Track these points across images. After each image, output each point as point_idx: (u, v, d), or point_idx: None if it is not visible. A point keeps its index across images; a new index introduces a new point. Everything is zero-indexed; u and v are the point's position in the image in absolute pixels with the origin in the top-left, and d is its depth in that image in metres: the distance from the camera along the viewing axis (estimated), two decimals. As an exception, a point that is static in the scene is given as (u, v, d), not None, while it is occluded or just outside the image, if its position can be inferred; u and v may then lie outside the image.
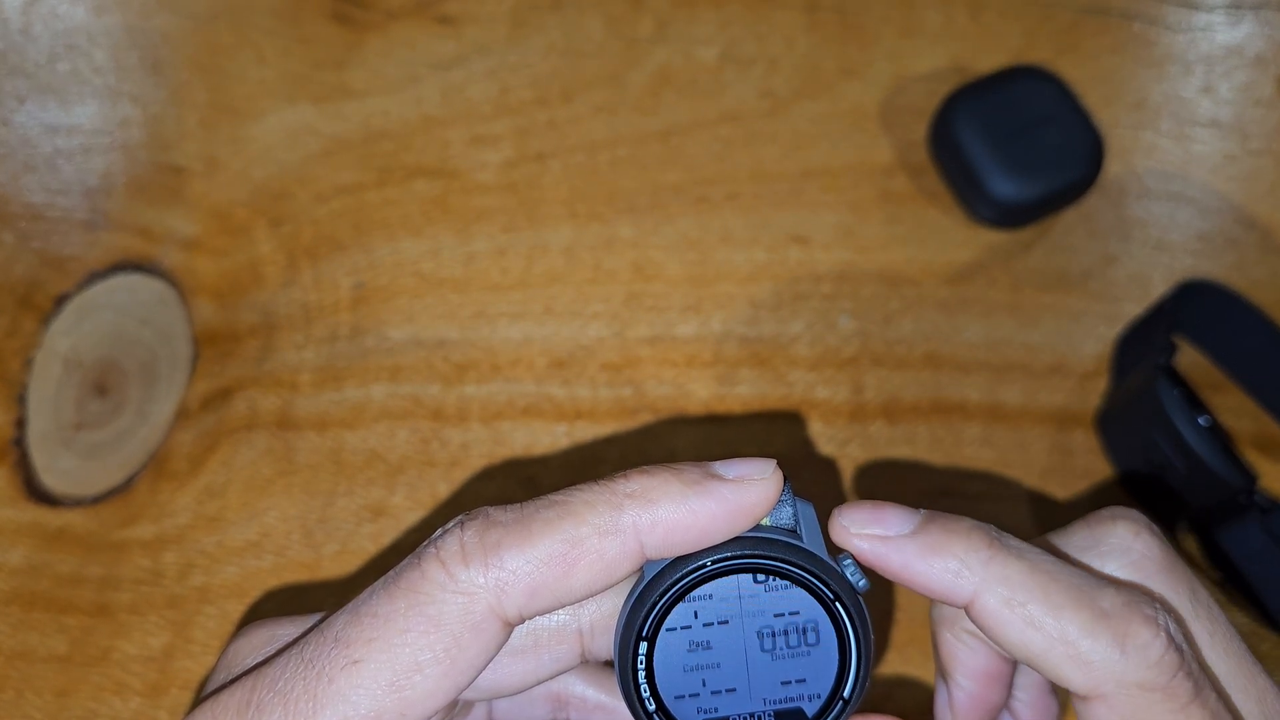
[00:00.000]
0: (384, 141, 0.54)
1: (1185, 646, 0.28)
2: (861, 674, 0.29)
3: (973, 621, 0.29)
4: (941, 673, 0.34)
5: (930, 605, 0.34)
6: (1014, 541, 0.29)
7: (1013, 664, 0.33)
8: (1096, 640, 0.27)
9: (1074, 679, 0.28)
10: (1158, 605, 0.28)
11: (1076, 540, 0.32)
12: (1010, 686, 0.34)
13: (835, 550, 0.29)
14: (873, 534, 0.29)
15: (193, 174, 0.53)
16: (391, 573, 0.28)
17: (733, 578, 0.28)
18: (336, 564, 0.45)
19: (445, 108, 0.54)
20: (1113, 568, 0.31)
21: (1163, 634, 0.28)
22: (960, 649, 0.33)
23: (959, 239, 0.52)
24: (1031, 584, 0.28)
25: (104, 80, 0.54)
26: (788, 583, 0.29)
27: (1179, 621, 0.30)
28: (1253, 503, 0.43)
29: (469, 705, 0.32)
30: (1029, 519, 0.47)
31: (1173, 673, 0.27)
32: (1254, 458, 0.48)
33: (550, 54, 0.56)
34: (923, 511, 0.30)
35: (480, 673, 0.27)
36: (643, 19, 0.56)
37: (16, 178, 0.52)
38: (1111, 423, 0.47)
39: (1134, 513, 0.32)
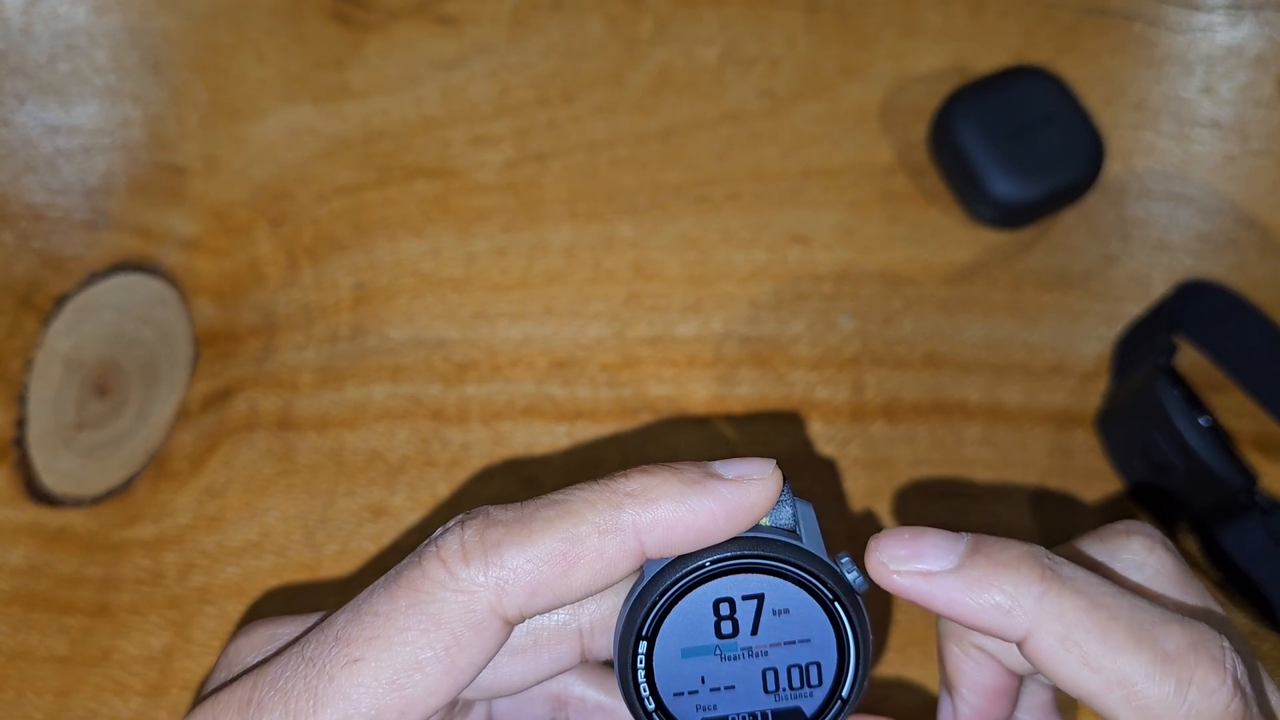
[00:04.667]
0: (384, 141, 0.54)
1: (1249, 689, 0.27)
2: (860, 674, 0.29)
3: (1025, 657, 0.27)
4: (946, 686, 0.33)
5: (937, 617, 0.33)
6: (1068, 570, 0.27)
7: (1019, 679, 0.33)
8: (1158, 685, 0.26)
9: None
10: (1226, 645, 0.27)
11: (1089, 553, 0.31)
12: (1016, 701, 0.33)
13: (834, 550, 0.29)
14: (914, 571, 0.28)
15: (193, 174, 0.53)
16: (392, 571, 0.28)
17: (732, 577, 0.28)
18: (337, 564, 0.45)
19: (445, 108, 0.54)
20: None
21: (1229, 680, 0.26)
22: (967, 664, 0.32)
23: (959, 239, 0.52)
24: (1089, 621, 0.26)
25: (104, 80, 0.54)
26: (787, 582, 0.29)
27: (1247, 658, 0.28)
28: (1253, 503, 0.43)
29: (469, 705, 0.32)
30: (1029, 519, 0.47)
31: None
32: (1254, 458, 0.48)
33: (551, 54, 0.56)
34: (966, 538, 0.28)
35: (480, 671, 0.27)
36: (643, 19, 0.56)
37: (17, 178, 0.52)
38: (1111, 423, 0.47)
39: (1148, 527, 0.31)
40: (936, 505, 0.47)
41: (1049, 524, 0.46)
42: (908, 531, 0.28)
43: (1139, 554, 0.31)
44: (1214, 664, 0.26)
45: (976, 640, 0.31)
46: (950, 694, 0.33)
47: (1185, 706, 0.26)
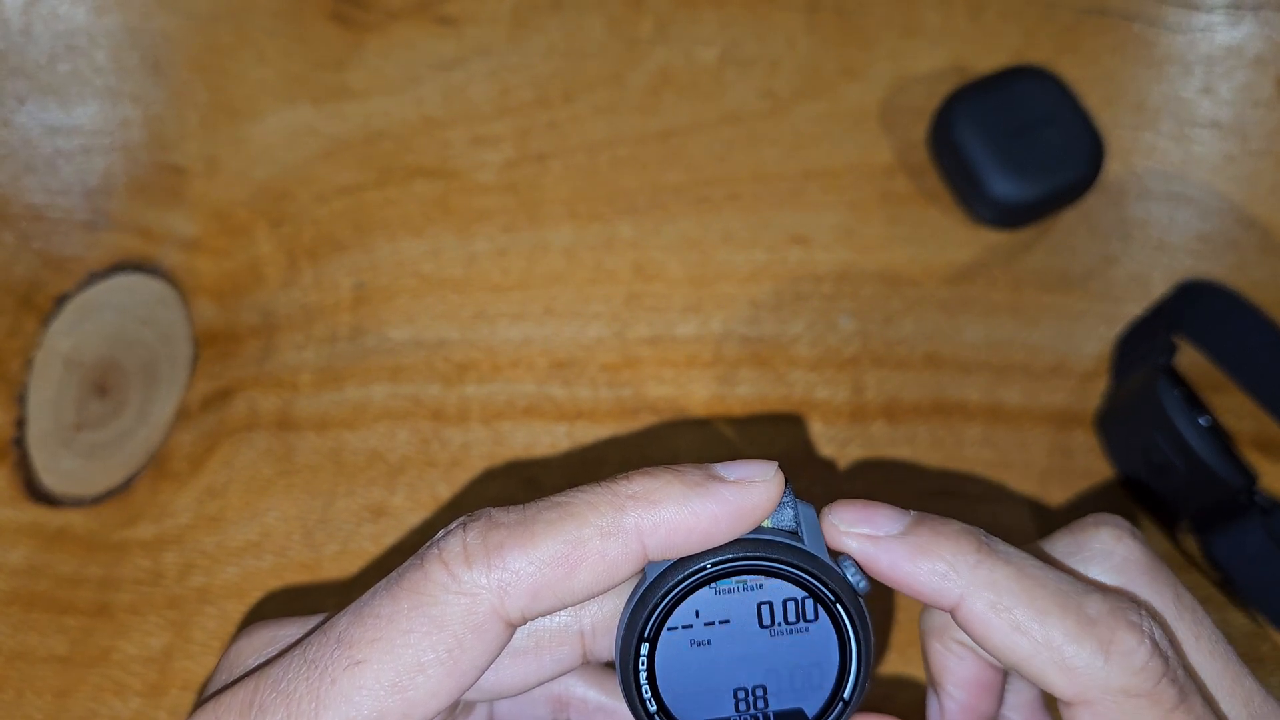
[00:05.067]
0: (384, 142, 0.54)
1: (1170, 652, 0.28)
2: (862, 675, 0.29)
3: (959, 625, 0.29)
4: (932, 683, 0.34)
5: (920, 615, 0.34)
6: (1002, 546, 0.29)
7: (1003, 674, 0.33)
8: (1081, 646, 0.27)
9: (1059, 685, 0.28)
10: (1143, 611, 0.28)
11: (1060, 546, 0.32)
12: (1001, 697, 0.34)
13: (836, 553, 0.30)
14: (862, 533, 0.29)
15: (193, 174, 0.53)
16: (394, 573, 0.28)
17: (734, 579, 0.28)
18: (337, 564, 0.45)
19: (446, 108, 0.54)
20: (1096, 572, 0.31)
21: (1147, 640, 0.28)
22: (950, 659, 0.33)
23: (959, 239, 0.52)
24: (1018, 589, 0.28)
25: (104, 81, 0.54)
26: (789, 583, 0.29)
27: (1164, 627, 0.30)
28: (1253, 503, 0.43)
29: (470, 706, 0.32)
30: (1029, 519, 0.47)
31: (1157, 679, 0.27)
32: (1254, 458, 0.48)
33: (551, 54, 0.56)
34: (912, 513, 0.30)
35: (483, 673, 0.28)
36: (643, 19, 0.56)
37: (17, 178, 0.52)
38: (1112, 423, 0.47)
39: (1116, 518, 0.32)
40: (936, 505, 0.46)
41: (1049, 524, 0.46)
42: (861, 501, 0.30)
43: (1107, 543, 0.32)
44: (1131, 626, 0.28)
45: (957, 635, 0.32)
46: (936, 691, 0.34)
47: (1106, 665, 0.27)
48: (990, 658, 0.32)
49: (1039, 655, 0.28)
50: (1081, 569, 0.31)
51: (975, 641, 0.29)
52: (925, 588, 0.29)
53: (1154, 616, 0.29)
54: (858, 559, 0.29)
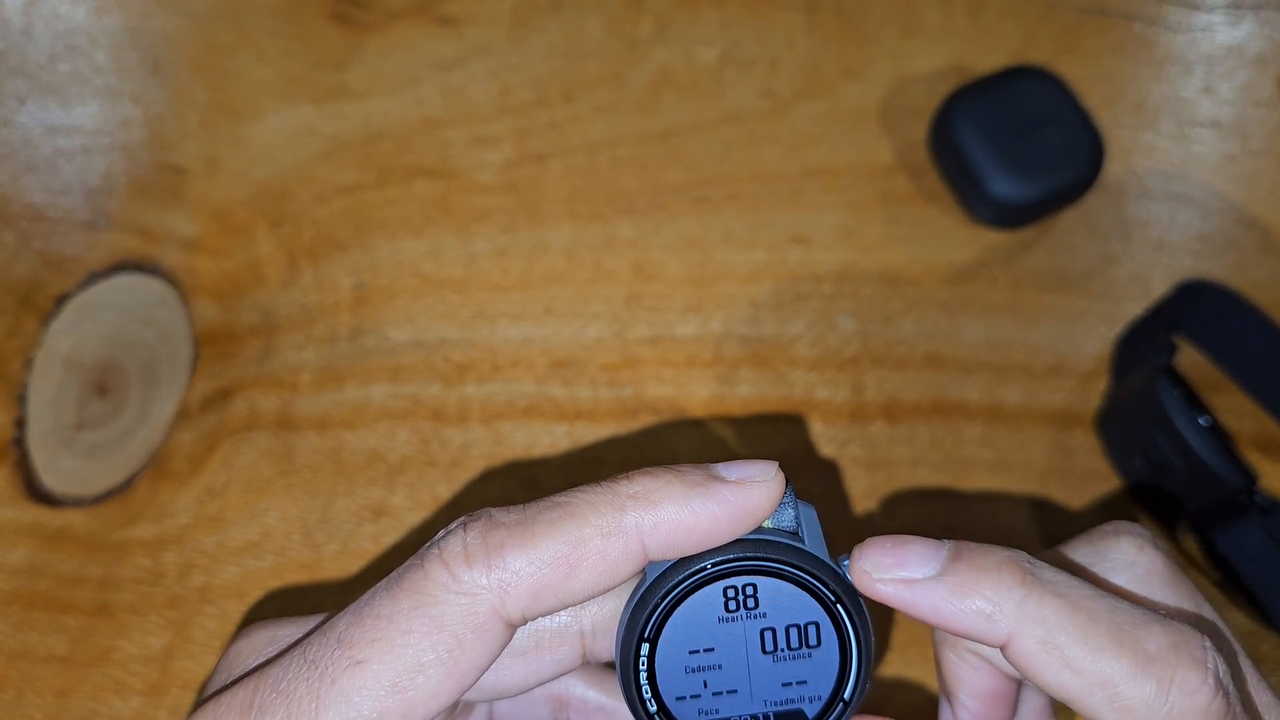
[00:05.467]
0: (384, 141, 0.54)
1: (1232, 689, 0.27)
2: (862, 676, 0.29)
3: (1008, 661, 0.28)
4: (944, 692, 0.33)
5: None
6: (1049, 573, 0.28)
7: (1018, 684, 0.33)
8: (1139, 686, 0.26)
9: None
10: (1208, 645, 0.27)
11: (1079, 555, 0.31)
12: (1016, 706, 0.33)
13: (836, 552, 0.29)
14: (897, 579, 0.28)
15: (193, 174, 0.53)
16: (394, 573, 0.28)
17: (735, 579, 0.28)
18: (337, 564, 0.45)
19: (445, 108, 0.54)
20: (1118, 583, 0.30)
21: (1211, 679, 0.26)
22: (964, 669, 0.32)
23: (959, 239, 0.52)
24: (1070, 625, 0.27)
25: (104, 80, 0.54)
26: (789, 584, 0.29)
27: (1230, 658, 0.28)
28: (1253, 503, 0.43)
29: (470, 706, 0.32)
30: (1029, 519, 0.47)
31: (1220, 719, 0.26)
32: (1254, 458, 0.48)
33: (551, 54, 0.56)
34: (948, 544, 0.28)
35: (483, 673, 0.27)
36: (643, 19, 0.56)
37: (17, 178, 0.52)
38: (1111, 423, 0.47)
39: (1137, 527, 0.31)
40: (936, 506, 0.47)
41: (1049, 524, 0.47)
42: (890, 540, 0.28)
43: (1128, 553, 0.31)
44: (1195, 664, 0.26)
45: (972, 646, 0.31)
46: (949, 700, 0.33)
47: (1167, 707, 0.26)
48: (1007, 668, 0.31)
49: (1093, 695, 0.26)
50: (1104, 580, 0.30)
51: (1025, 677, 0.28)
52: (970, 629, 0.27)
53: (1220, 650, 0.27)
54: (894, 605, 0.28)
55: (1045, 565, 0.28)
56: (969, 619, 0.27)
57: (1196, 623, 0.29)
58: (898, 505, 0.47)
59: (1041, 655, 0.27)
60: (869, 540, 0.29)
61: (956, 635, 0.28)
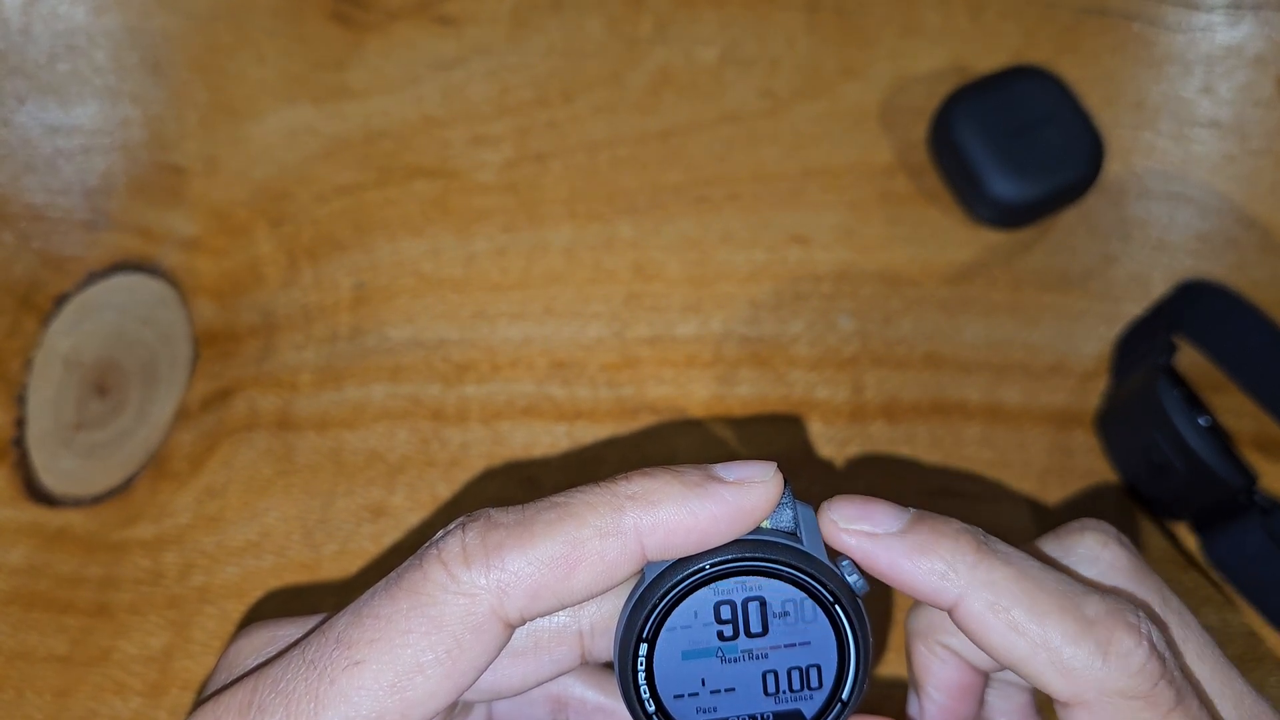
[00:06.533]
0: (384, 141, 0.54)
1: (1168, 654, 0.28)
2: (860, 676, 0.29)
3: (956, 625, 0.29)
4: (914, 684, 0.34)
5: (906, 616, 0.34)
6: (1001, 546, 0.29)
7: (984, 678, 0.34)
8: (1079, 647, 0.27)
9: (1056, 686, 0.28)
10: (1141, 613, 0.28)
11: (1046, 551, 0.32)
12: (981, 700, 0.34)
13: (834, 553, 0.30)
14: (861, 530, 0.29)
15: (193, 174, 0.53)
16: (393, 574, 0.28)
17: (733, 579, 0.28)
18: (336, 564, 0.45)
19: (445, 108, 0.54)
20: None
21: (1145, 641, 0.28)
22: (933, 661, 0.33)
23: (959, 239, 0.52)
24: (1017, 589, 0.28)
25: (104, 80, 0.54)
26: (787, 584, 0.29)
27: (1163, 628, 0.30)
28: (1253, 503, 0.43)
29: (469, 706, 0.32)
30: (1028, 519, 0.47)
31: (1154, 680, 0.27)
32: (1254, 458, 0.48)
33: (550, 54, 0.56)
34: (912, 510, 0.30)
35: (481, 674, 0.28)
36: (643, 19, 0.56)
37: (17, 178, 0.52)
38: (1111, 423, 0.47)
39: (1102, 524, 0.33)
40: (936, 505, 0.46)
41: (1048, 524, 0.46)
42: (860, 498, 0.30)
43: (1093, 549, 0.32)
44: (1129, 628, 0.28)
45: (941, 638, 0.33)
46: (917, 692, 0.34)
47: (1105, 666, 0.27)
48: (975, 661, 0.33)
49: (1036, 656, 0.28)
50: None
51: (973, 641, 0.29)
52: (923, 586, 0.29)
53: (1153, 618, 0.29)
54: (856, 557, 0.29)
55: (998, 540, 0.29)
56: (923, 576, 0.28)
57: (1170, 607, 0.31)
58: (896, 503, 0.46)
59: (989, 617, 0.28)
60: (840, 495, 0.30)
61: (910, 593, 0.29)
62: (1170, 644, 0.30)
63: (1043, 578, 0.28)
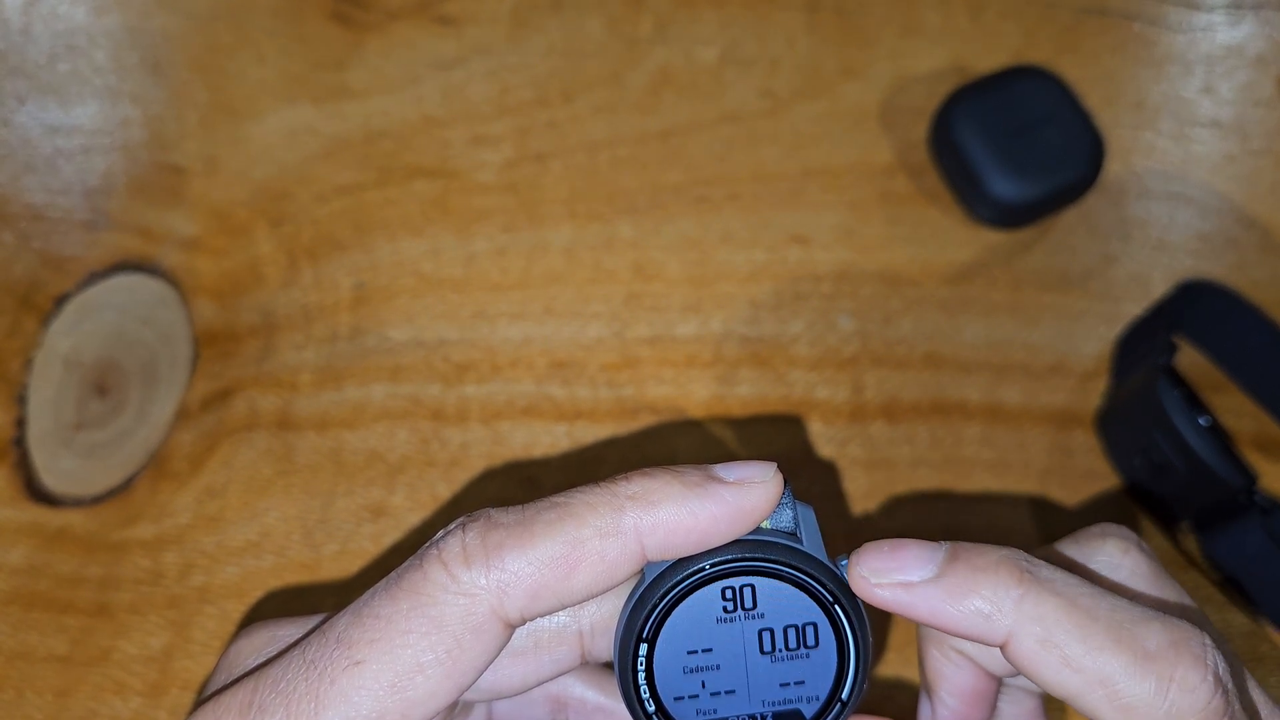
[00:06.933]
0: (384, 141, 0.54)
1: (1231, 686, 0.27)
2: (859, 676, 0.29)
3: (1008, 660, 0.28)
4: (926, 689, 0.33)
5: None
6: (1046, 572, 0.28)
7: (998, 682, 0.33)
8: (1139, 683, 0.26)
9: None
10: (1207, 643, 0.27)
11: (1067, 557, 0.31)
12: (994, 705, 0.33)
13: (834, 553, 0.30)
14: (895, 583, 0.28)
15: (193, 174, 0.53)
16: (393, 574, 0.28)
17: (733, 579, 0.28)
18: (336, 564, 0.45)
19: (445, 108, 0.54)
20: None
21: (1210, 676, 0.26)
22: (946, 666, 0.32)
23: (959, 239, 0.52)
24: (1068, 623, 0.27)
25: (104, 80, 0.54)
26: (787, 585, 0.29)
27: (1228, 657, 0.28)
28: (1253, 503, 0.43)
29: (469, 706, 0.32)
30: (1029, 519, 0.47)
31: (1219, 717, 0.26)
32: (1254, 458, 0.48)
33: (550, 54, 0.56)
34: (945, 546, 0.28)
35: (482, 674, 0.28)
36: (643, 19, 0.56)
37: (17, 178, 0.52)
38: (1111, 423, 0.47)
39: (1122, 529, 0.32)
40: (936, 506, 0.47)
41: (1048, 524, 0.47)
42: (887, 544, 0.28)
43: (1114, 555, 0.31)
44: (1195, 661, 0.26)
45: (955, 644, 0.32)
46: (930, 697, 0.33)
47: (1167, 704, 0.26)
48: (990, 666, 0.32)
49: (1093, 692, 0.26)
50: None
51: (1025, 676, 0.28)
52: (969, 630, 0.27)
53: (1219, 647, 0.27)
54: (893, 610, 0.28)
55: (1042, 564, 0.28)
56: (968, 620, 0.27)
57: (1193, 620, 0.29)
58: (897, 506, 0.47)
59: (1040, 654, 0.27)
60: (866, 545, 0.29)
61: (956, 636, 0.28)
62: (1235, 674, 0.28)
63: (1095, 606, 0.27)
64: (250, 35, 0.56)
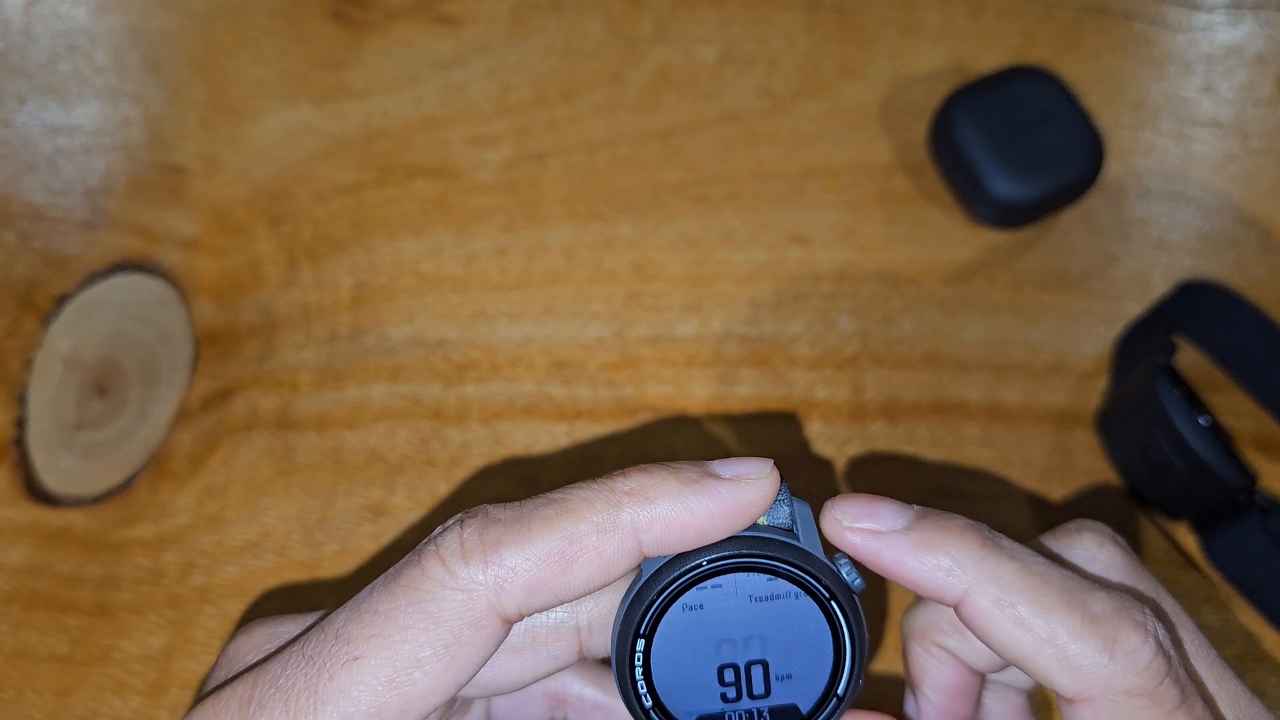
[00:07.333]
0: (384, 141, 0.54)
1: (1173, 652, 0.28)
2: (855, 672, 0.29)
3: (962, 620, 0.29)
4: (910, 685, 0.34)
5: (902, 617, 0.34)
6: (1007, 542, 0.29)
7: (980, 679, 0.34)
8: (1085, 644, 0.27)
9: (1061, 682, 0.28)
10: (1147, 611, 0.28)
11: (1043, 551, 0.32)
12: (978, 701, 0.34)
13: (831, 550, 0.30)
14: (865, 528, 0.29)
15: (193, 174, 0.53)
16: (392, 570, 0.28)
17: (729, 576, 0.28)
18: (336, 564, 0.45)
19: (445, 107, 0.54)
20: None
21: (1151, 639, 0.28)
22: (930, 662, 0.33)
23: (959, 239, 0.52)
24: (1023, 585, 0.28)
25: (104, 80, 0.55)
26: (783, 581, 0.29)
27: (1169, 627, 0.30)
28: (1253, 503, 0.43)
29: (468, 703, 0.32)
30: (1028, 519, 0.47)
31: (1160, 678, 0.27)
32: (1254, 458, 0.48)
33: (550, 54, 0.56)
34: (915, 507, 0.30)
35: (480, 669, 0.28)
36: (643, 19, 0.57)
37: (17, 178, 0.52)
38: (1111, 423, 0.47)
39: (1098, 524, 0.33)
40: (936, 504, 0.46)
41: (1048, 524, 0.46)
42: (863, 496, 0.30)
43: (1089, 549, 0.32)
44: (1136, 626, 0.28)
45: (939, 639, 0.33)
46: (914, 693, 0.34)
47: (1111, 663, 0.27)
48: (972, 662, 0.33)
49: (1042, 652, 0.28)
50: None
51: (978, 637, 0.29)
52: (929, 582, 0.28)
53: (1160, 617, 0.29)
54: (860, 555, 0.29)
55: (1003, 536, 0.29)
56: (929, 572, 0.28)
57: (1165, 607, 0.31)
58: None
59: (995, 613, 0.28)
60: (843, 494, 0.30)
61: (915, 589, 0.29)
62: (1176, 643, 0.30)
63: (1049, 573, 0.28)
64: (250, 35, 0.56)
